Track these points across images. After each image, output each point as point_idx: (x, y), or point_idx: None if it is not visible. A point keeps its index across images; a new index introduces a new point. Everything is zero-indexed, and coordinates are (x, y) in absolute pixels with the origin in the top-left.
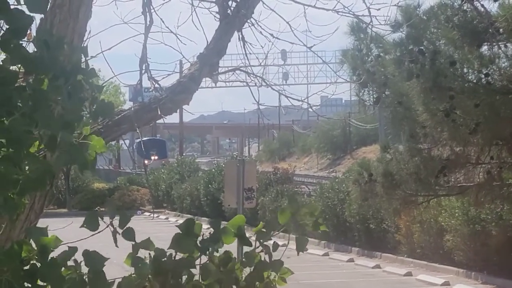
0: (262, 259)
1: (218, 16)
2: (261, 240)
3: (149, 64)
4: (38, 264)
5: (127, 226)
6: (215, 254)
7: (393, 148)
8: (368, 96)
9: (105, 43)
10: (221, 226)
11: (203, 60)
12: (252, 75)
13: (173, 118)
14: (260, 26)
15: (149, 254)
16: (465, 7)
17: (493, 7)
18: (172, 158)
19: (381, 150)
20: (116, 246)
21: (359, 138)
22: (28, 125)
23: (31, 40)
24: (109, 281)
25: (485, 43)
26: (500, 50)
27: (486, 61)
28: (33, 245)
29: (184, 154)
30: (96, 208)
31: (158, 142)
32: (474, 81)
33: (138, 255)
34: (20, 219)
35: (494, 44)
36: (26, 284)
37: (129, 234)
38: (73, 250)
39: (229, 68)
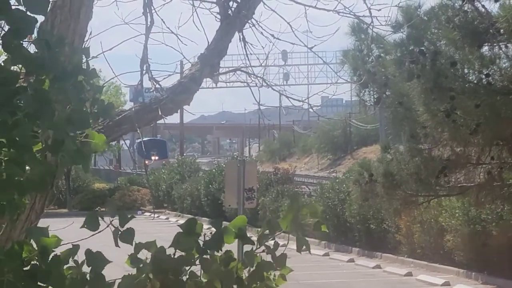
0: (263, 259)
1: (219, 16)
2: (263, 241)
3: (150, 65)
4: (39, 264)
5: (128, 227)
6: (216, 253)
7: (393, 148)
8: (369, 97)
9: (106, 44)
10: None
11: (204, 60)
12: (252, 75)
13: (173, 119)
14: (261, 27)
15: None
16: (466, 8)
17: (494, 8)
18: (172, 158)
19: (382, 151)
20: (117, 246)
21: (360, 139)
22: (32, 126)
23: (31, 40)
24: (109, 281)
25: (486, 44)
26: (500, 51)
27: (487, 61)
28: (34, 245)
29: (184, 154)
30: (97, 209)
31: (159, 142)
32: (475, 81)
33: (139, 256)
34: (20, 219)
35: (495, 44)
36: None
37: (127, 237)
38: (75, 248)
39: (230, 69)
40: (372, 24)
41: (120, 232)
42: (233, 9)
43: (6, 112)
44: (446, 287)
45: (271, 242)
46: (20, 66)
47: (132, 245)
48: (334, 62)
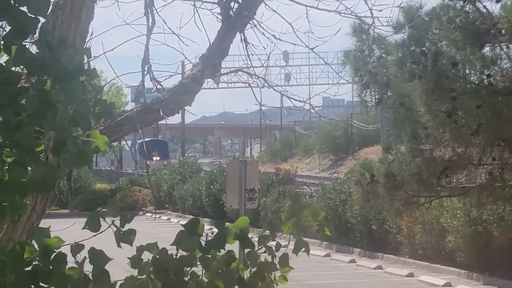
0: (264, 259)
1: (220, 17)
2: (265, 242)
3: (151, 65)
4: (41, 265)
5: (129, 228)
6: (218, 253)
7: (395, 149)
8: (370, 97)
9: (107, 44)
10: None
11: (205, 61)
12: (254, 76)
13: (175, 119)
14: (262, 27)
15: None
16: (467, 8)
17: (495, 8)
18: (174, 159)
19: (383, 151)
20: (119, 246)
21: (361, 139)
22: (34, 127)
23: (33, 41)
24: (111, 282)
25: (487, 44)
26: (502, 51)
27: (488, 62)
28: (35, 246)
29: (186, 155)
30: (98, 209)
31: (160, 143)
32: (476, 82)
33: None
34: (22, 220)
35: (496, 45)
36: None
37: (127, 237)
38: (79, 247)
39: (231, 69)
40: (373, 24)
41: (121, 233)
42: (234, 9)
43: (9, 112)
44: None
45: (273, 243)
46: (21, 66)
47: (132, 246)
48: (336, 62)
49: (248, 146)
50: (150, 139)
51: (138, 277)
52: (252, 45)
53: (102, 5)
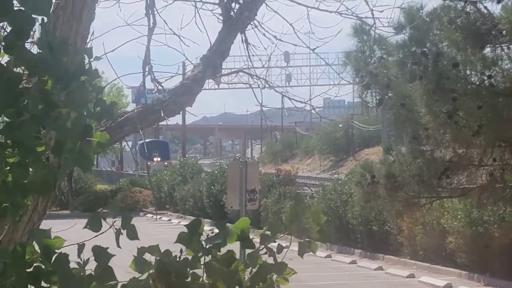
0: (264, 260)
1: (221, 18)
2: (266, 243)
3: (152, 66)
4: (42, 266)
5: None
6: (218, 253)
7: (395, 150)
8: (371, 98)
9: (108, 45)
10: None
11: (206, 62)
12: (255, 77)
13: (175, 120)
14: (263, 28)
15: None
16: (468, 9)
17: (496, 9)
18: (174, 159)
19: (384, 152)
20: (119, 246)
21: (362, 140)
22: (36, 128)
23: (34, 41)
24: (112, 283)
25: (488, 45)
26: (503, 52)
27: (489, 63)
28: (36, 247)
29: (186, 156)
30: (99, 210)
31: (161, 143)
32: (477, 83)
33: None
34: (23, 221)
35: (497, 46)
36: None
37: (132, 233)
38: (81, 247)
39: (232, 70)
40: (374, 25)
41: (122, 232)
42: (235, 10)
43: (12, 113)
44: None
45: (274, 245)
46: (22, 67)
47: (138, 239)
48: (336, 63)
49: (248, 147)
50: (151, 140)
51: (141, 278)
52: (253, 45)
53: (103, 6)
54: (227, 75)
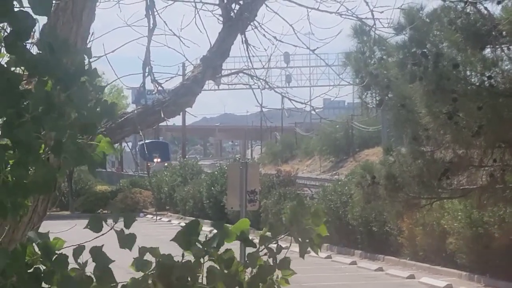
0: (265, 260)
1: (221, 18)
2: (266, 243)
3: (152, 67)
4: (42, 267)
5: (129, 232)
6: (217, 252)
7: (396, 150)
8: (371, 99)
9: (108, 46)
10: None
11: (206, 62)
12: (255, 77)
13: (176, 121)
14: (263, 29)
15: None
16: (468, 10)
17: (496, 10)
18: (174, 160)
19: (384, 153)
20: (121, 247)
21: (362, 141)
22: (37, 128)
23: (34, 41)
24: (113, 284)
25: (488, 46)
26: (503, 53)
27: (489, 63)
28: (36, 248)
29: (186, 157)
30: (99, 211)
31: (161, 144)
32: (477, 83)
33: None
34: (23, 221)
35: (497, 46)
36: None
37: (127, 242)
38: (80, 249)
39: (232, 71)
40: (374, 26)
41: (124, 234)
42: (235, 11)
43: (12, 114)
44: None
45: (274, 246)
46: (22, 68)
47: (130, 250)
48: (337, 64)
49: (249, 148)
50: (151, 140)
51: (141, 279)
52: (253, 46)
53: (103, 7)
54: (227, 75)
